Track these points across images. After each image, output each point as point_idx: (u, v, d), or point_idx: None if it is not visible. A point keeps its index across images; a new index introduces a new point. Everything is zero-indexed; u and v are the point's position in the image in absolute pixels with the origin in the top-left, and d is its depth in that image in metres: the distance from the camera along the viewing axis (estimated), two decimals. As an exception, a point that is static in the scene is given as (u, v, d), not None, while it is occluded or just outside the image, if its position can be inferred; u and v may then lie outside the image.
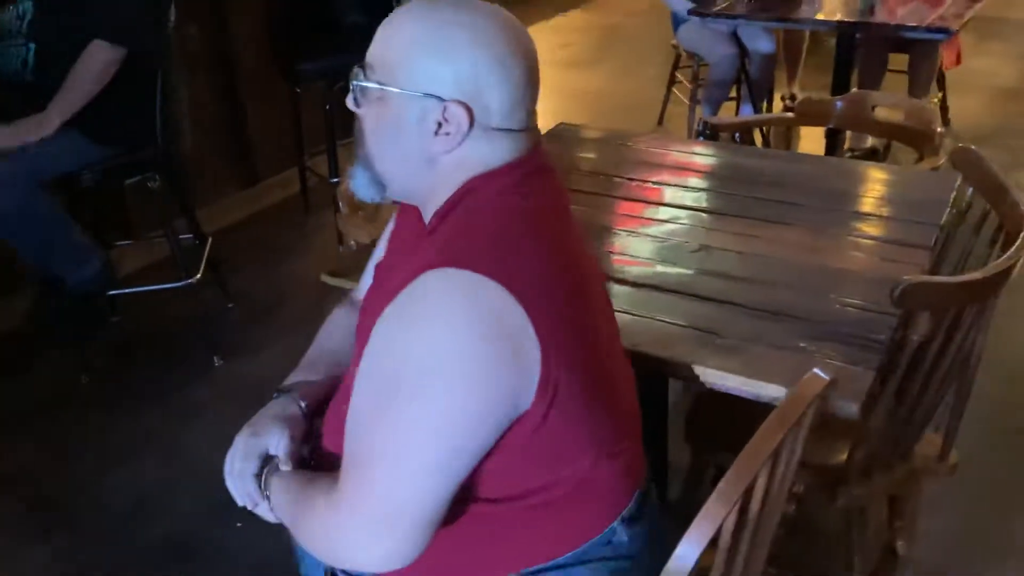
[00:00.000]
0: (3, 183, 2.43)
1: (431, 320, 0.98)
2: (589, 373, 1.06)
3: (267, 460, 1.22)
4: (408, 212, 1.22)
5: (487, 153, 1.07)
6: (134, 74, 2.55)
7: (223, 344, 2.91)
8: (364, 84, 1.07)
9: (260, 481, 1.21)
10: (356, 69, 1.08)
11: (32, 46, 2.54)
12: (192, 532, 2.23)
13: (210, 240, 3.09)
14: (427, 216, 1.12)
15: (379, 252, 1.37)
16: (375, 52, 1.07)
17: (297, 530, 1.15)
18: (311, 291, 1.72)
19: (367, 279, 1.40)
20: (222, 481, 2.32)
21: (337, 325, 1.42)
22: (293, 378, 1.34)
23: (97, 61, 2.48)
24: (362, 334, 1.16)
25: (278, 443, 1.22)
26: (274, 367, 2.74)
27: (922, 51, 3.93)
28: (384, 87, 1.05)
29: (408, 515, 1.01)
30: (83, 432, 2.59)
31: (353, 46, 3.80)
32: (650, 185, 2.12)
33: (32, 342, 2.90)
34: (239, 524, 2.20)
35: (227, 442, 2.43)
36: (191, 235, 3.06)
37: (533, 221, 1.07)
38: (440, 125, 1.04)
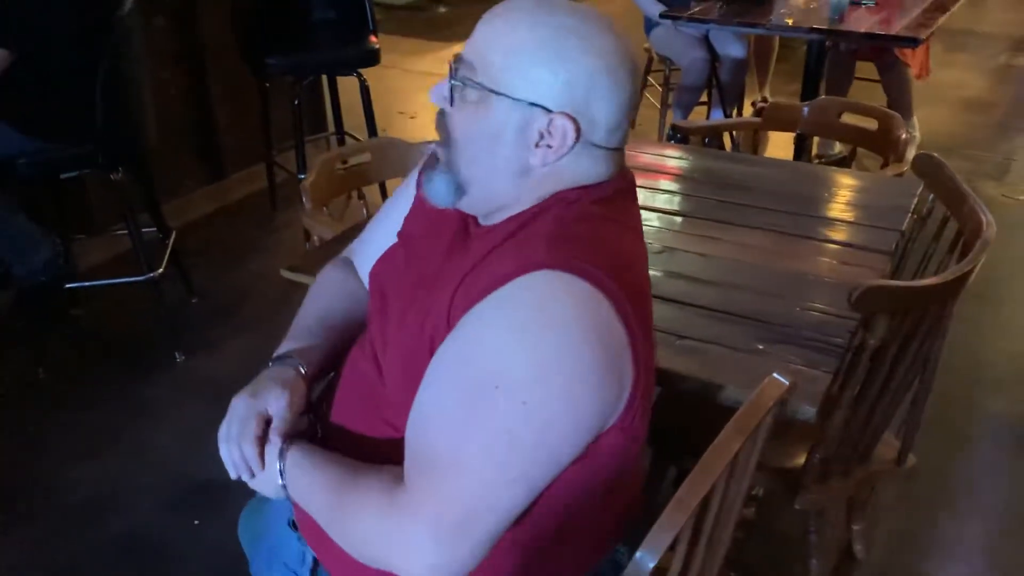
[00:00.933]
0: None
1: (544, 327, 0.94)
2: (652, 391, 1.07)
3: (269, 423, 1.14)
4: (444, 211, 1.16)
5: (585, 168, 1.04)
6: (70, 64, 2.46)
7: (185, 340, 2.88)
8: (465, 84, 1.01)
9: (276, 451, 1.12)
10: (454, 65, 1.02)
11: None
12: (150, 529, 2.20)
13: (174, 234, 3.06)
14: (493, 219, 1.08)
15: (392, 215, 1.29)
16: (479, 50, 1.01)
17: (326, 518, 1.08)
18: (276, 288, 1.69)
19: (371, 243, 1.33)
20: (181, 477, 2.30)
21: (329, 287, 1.35)
22: (287, 346, 1.25)
23: None
24: (384, 316, 1.13)
25: (276, 404, 1.14)
26: (237, 363, 2.76)
27: (886, 64, 3.98)
28: (488, 91, 1.00)
29: (482, 525, 0.96)
30: (41, 427, 2.55)
31: (322, 41, 3.79)
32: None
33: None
34: (196, 522, 2.18)
35: (188, 438, 2.44)
36: (155, 229, 3.03)
37: (630, 242, 1.06)
38: (542, 136, 1.00)
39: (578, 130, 1.00)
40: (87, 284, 2.96)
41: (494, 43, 1.01)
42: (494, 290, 0.96)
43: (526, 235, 1.03)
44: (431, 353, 1.02)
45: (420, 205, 1.21)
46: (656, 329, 1.48)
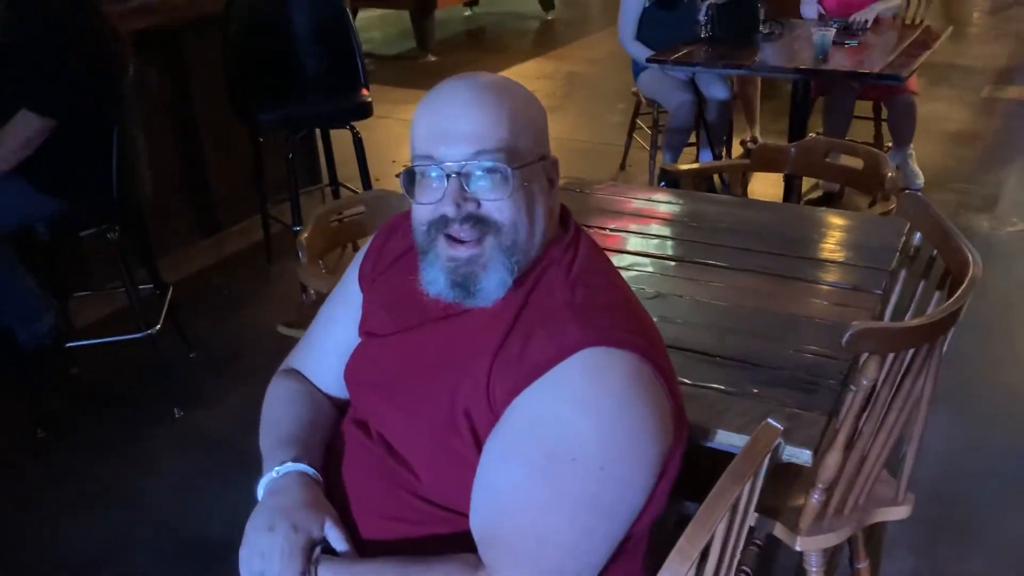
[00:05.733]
0: None
1: (602, 397, 1.02)
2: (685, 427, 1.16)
3: (308, 553, 1.11)
4: (406, 267, 1.21)
5: (555, 206, 1.18)
6: (86, 129, 2.53)
7: (183, 395, 2.88)
8: (509, 170, 1.07)
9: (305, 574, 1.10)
10: (487, 159, 1.07)
11: None
12: (148, 587, 2.19)
13: (171, 290, 3.07)
14: (494, 293, 1.12)
15: (338, 322, 1.33)
16: (489, 135, 1.07)
17: None
18: (272, 341, 1.71)
19: (321, 350, 1.35)
20: (179, 532, 2.29)
21: (290, 397, 1.33)
22: (281, 455, 1.22)
23: (23, 131, 2.44)
24: (397, 385, 1.16)
25: (334, 534, 1.13)
26: (234, 418, 2.76)
27: (893, 95, 4.03)
28: (525, 166, 1.10)
29: None
30: (39, 485, 2.54)
31: (314, 95, 3.83)
32: (608, 232, 2.14)
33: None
34: (197, 580, 2.17)
35: (185, 493, 2.43)
36: (151, 285, 3.04)
37: (620, 286, 1.18)
38: (551, 182, 1.15)
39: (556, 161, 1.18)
40: (85, 343, 2.96)
41: (499, 121, 1.08)
42: (540, 375, 1.03)
43: (546, 310, 1.09)
44: (469, 427, 1.08)
45: (376, 302, 1.26)
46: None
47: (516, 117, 1.09)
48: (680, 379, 1.48)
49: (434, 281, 1.11)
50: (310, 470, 1.20)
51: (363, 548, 1.16)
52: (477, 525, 1.06)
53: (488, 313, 1.11)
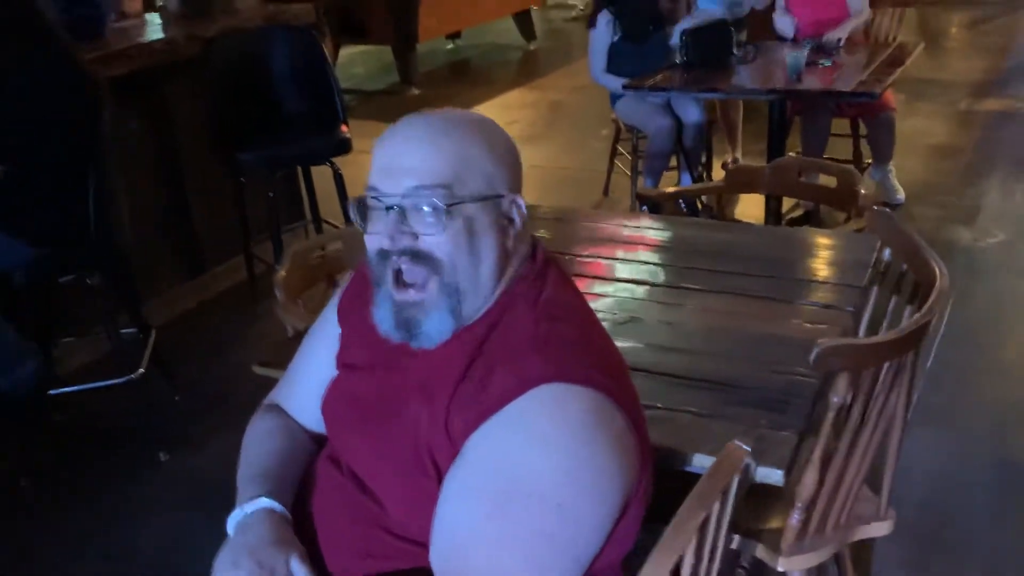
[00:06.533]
0: None
1: (556, 436, 1.01)
2: (650, 457, 1.15)
3: None
4: (362, 309, 1.20)
5: (521, 243, 1.16)
6: (60, 174, 2.54)
7: (169, 438, 2.87)
8: (448, 207, 1.06)
9: None
10: (423, 195, 1.06)
11: None
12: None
13: (154, 333, 3.06)
14: (455, 324, 1.12)
15: (317, 354, 1.33)
16: (436, 170, 1.07)
17: None
18: (257, 381, 1.71)
19: (301, 384, 1.36)
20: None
21: (268, 434, 1.35)
22: (252, 490, 1.23)
23: None
24: (368, 420, 1.16)
25: (299, 571, 1.13)
26: (221, 460, 2.69)
27: (872, 112, 4.07)
28: (469, 201, 1.09)
29: None
30: (25, 536, 2.52)
31: (294, 134, 3.85)
32: (585, 259, 2.15)
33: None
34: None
35: (172, 537, 2.41)
36: (135, 329, 3.04)
37: (590, 319, 1.17)
38: (510, 220, 1.12)
39: (521, 205, 1.13)
40: (69, 390, 2.95)
41: (443, 158, 1.08)
42: (499, 408, 1.03)
43: (509, 344, 1.08)
44: (433, 462, 1.08)
45: (354, 334, 1.26)
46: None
47: (463, 154, 1.08)
48: (653, 404, 1.50)
49: (383, 320, 1.13)
50: (278, 507, 1.20)
51: None
52: (435, 561, 1.05)
53: (452, 347, 1.11)
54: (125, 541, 2.47)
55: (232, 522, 1.20)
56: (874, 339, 1.44)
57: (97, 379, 2.90)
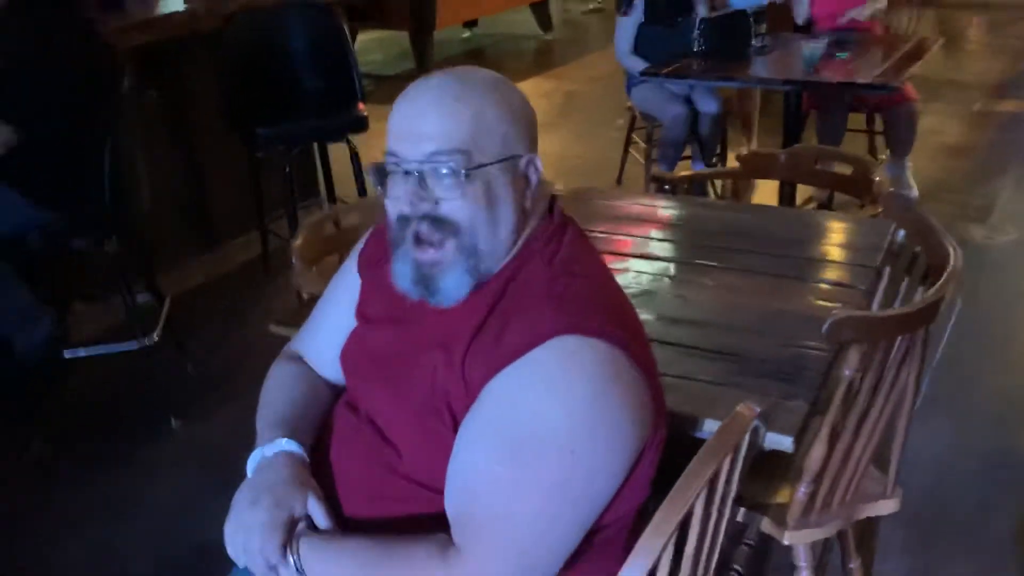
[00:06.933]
0: None
1: (569, 386, 1.04)
2: (664, 407, 1.18)
3: (289, 528, 1.13)
4: (382, 265, 1.22)
5: (539, 201, 1.18)
6: (78, 140, 2.56)
7: (180, 406, 2.90)
8: (468, 171, 1.08)
9: (286, 549, 1.12)
10: (443, 160, 1.07)
11: None
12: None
13: (168, 301, 3.09)
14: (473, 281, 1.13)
15: (337, 306, 1.35)
16: (451, 134, 1.08)
17: None
18: (269, 353, 1.73)
19: (321, 332, 1.38)
20: (176, 544, 2.28)
21: (289, 379, 1.38)
22: (272, 433, 1.25)
23: None
24: (383, 382, 1.18)
25: (316, 510, 1.15)
26: (231, 429, 2.76)
27: (893, 104, 4.07)
28: (487, 165, 1.09)
29: (543, 569, 1.05)
30: (35, 498, 2.55)
31: (311, 110, 3.86)
32: (606, 236, 2.16)
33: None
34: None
35: (183, 504, 2.43)
36: (150, 296, 3.06)
37: (607, 276, 1.20)
38: (527, 181, 1.14)
39: (538, 164, 1.15)
40: (83, 354, 2.98)
41: (460, 122, 1.09)
42: (515, 359, 1.05)
43: (524, 297, 1.11)
44: (448, 409, 1.10)
45: (373, 287, 1.28)
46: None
47: (480, 117, 1.09)
48: (667, 373, 1.50)
49: (401, 278, 1.15)
50: (297, 449, 1.22)
51: (346, 526, 1.17)
52: (450, 506, 1.07)
53: (469, 302, 1.13)
54: (134, 507, 2.50)
55: (252, 463, 1.22)
56: (887, 312, 1.45)
57: (112, 344, 2.92)
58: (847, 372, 1.43)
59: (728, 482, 1.16)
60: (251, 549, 1.12)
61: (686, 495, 1.04)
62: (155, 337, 2.90)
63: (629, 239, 2.13)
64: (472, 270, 1.11)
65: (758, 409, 1.15)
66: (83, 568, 2.28)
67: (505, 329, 1.08)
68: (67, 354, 2.86)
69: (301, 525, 1.14)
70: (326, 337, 1.35)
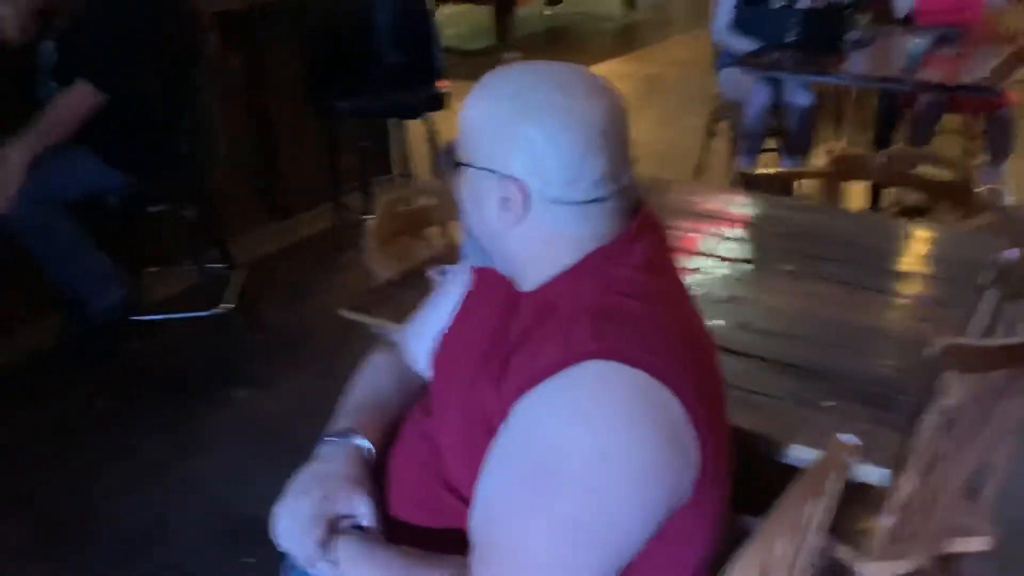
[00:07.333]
0: (25, 200, 2.47)
1: (597, 416, 0.94)
2: (725, 460, 1.05)
3: (334, 523, 1.13)
4: (490, 274, 1.17)
5: (578, 227, 1.04)
6: (161, 104, 2.56)
7: (244, 376, 2.90)
8: (450, 157, 1.08)
9: (325, 544, 1.12)
10: (448, 145, 1.09)
11: (54, 85, 2.58)
12: (197, 565, 2.19)
13: (241, 270, 3.09)
14: (527, 285, 1.09)
15: (446, 298, 1.31)
16: (459, 127, 1.07)
17: None
18: (335, 329, 1.71)
19: (424, 325, 1.34)
20: (229, 514, 2.27)
21: (380, 370, 1.36)
22: (345, 422, 1.26)
23: (74, 100, 2.47)
24: (448, 388, 1.15)
25: (366, 512, 1.14)
26: (292, 402, 2.77)
27: (991, 108, 3.88)
28: (464, 164, 1.06)
29: None
30: (98, 457, 2.57)
31: (390, 85, 3.83)
32: (683, 233, 2.08)
33: (56, 364, 2.90)
34: (241, 560, 2.15)
35: (239, 475, 2.43)
36: (222, 264, 3.07)
37: (670, 304, 1.06)
38: (505, 200, 1.04)
39: (525, 191, 1.02)
40: (152, 318, 3.00)
41: (463, 120, 1.07)
42: (545, 378, 0.96)
43: (568, 311, 1.02)
44: (486, 423, 1.03)
45: (475, 286, 1.24)
46: (720, 382, 1.45)
47: (481, 121, 1.05)
48: (742, 386, 1.43)
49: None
50: (364, 443, 1.20)
51: (391, 527, 1.16)
52: (471, 526, 1.02)
53: (517, 310, 1.09)
54: (192, 473, 2.50)
55: (318, 449, 1.21)
56: (1001, 342, 1.34)
57: (181, 311, 2.93)
58: (948, 402, 1.33)
59: (818, 519, 1.08)
60: (292, 537, 1.13)
61: (774, 534, 0.97)
62: (224, 305, 2.90)
63: (704, 237, 2.04)
64: (484, 251, 1.12)
65: (855, 443, 1.06)
66: (137, 532, 2.29)
67: (543, 344, 1.01)
68: (138, 318, 2.88)
69: (345, 523, 1.13)
70: (425, 332, 1.31)
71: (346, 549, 1.11)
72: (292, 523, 1.13)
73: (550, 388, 0.96)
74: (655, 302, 1.03)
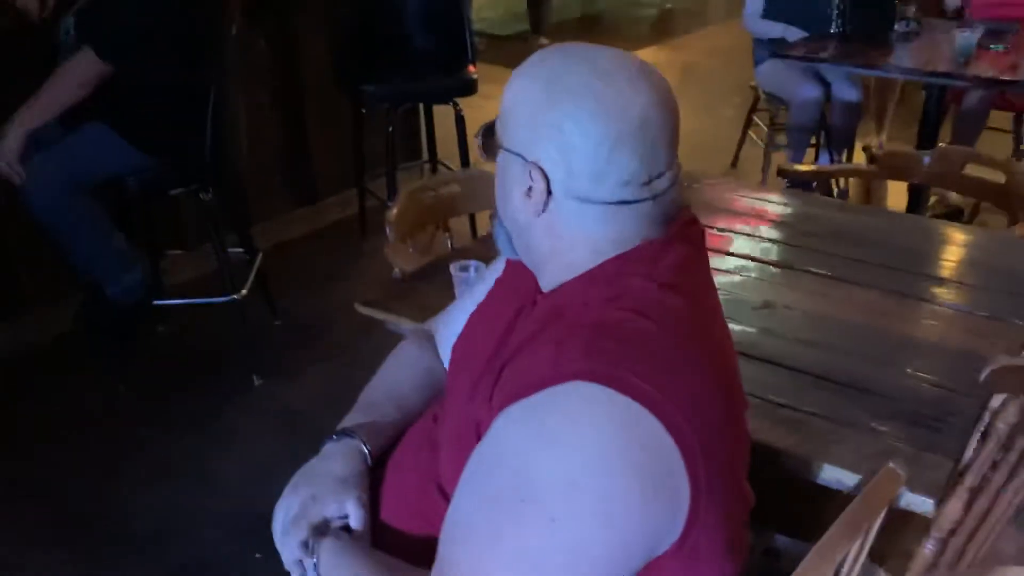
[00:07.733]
0: (44, 180, 2.43)
1: (570, 441, 0.84)
2: (732, 502, 0.94)
3: (321, 525, 1.12)
4: (520, 268, 1.09)
5: (599, 230, 0.95)
6: (184, 85, 2.51)
7: (264, 363, 2.85)
8: (486, 138, 1.04)
9: (308, 545, 1.10)
10: (487, 124, 1.05)
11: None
12: (213, 559, 2.15)
13: (260, 257, 3.04)
14: (545, 285, 1.02)
15: (477, 293, 1.25)
16: (500, 108, 1.02)
17: None
18: (357, 317, 1.66)
19: (453, 319, 1.29)
20: (248, 507, 2.24)
21: (403, 363, 1.32)
22: (352, 419, 1.22)
23: (80, 68, 2.38)
24: (455, 393, 1.11)
25: (354, 515, 1.11)
26: (313, 391, 2.71)
27: None
28: (498, 147, 1.01)
29: None
30: (117, 446, 2.54)
31: (419, 70, 3.76)
32: (716, 232, 1.99)
33: (78, 347, 2.87)
34: (258, 555, 2.11)
35: (257, 467, 2.38)
36: (243, 249, 3.02)
37: (685, 326, 0.93)
38: (529, 188, 0.96)
39: (547, 181, 0.95)
40: (173, 302, 2.96)
41: (502, 99, 1.00)
42: (528, 394, 0.87)
43: (570, 321, 0.93)
44: (477, 433, 0.96)
45: (503, 276, 1.19)
46: (753, 394, 1.35)
47: (515, 102, 0.98)
48: (773, 399, 1.34)
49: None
50: (365, 448, 1.17)
51: (383, 534, 1.13)
52: (439, 546, 0.93)
53: (519, 319, 1.03)
54: (209, 464, 2.46)
55: (322, 445, 1.19)
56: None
57: (202, 296, 2.89)
58: (1002, 426, 1.24)
59: (863, 548, 1.00)
60: (277, 536, 1.13)
61: (819, 568, 0.88)
62: (244, 291, 2.85)
63: (744, 237, 1.95)
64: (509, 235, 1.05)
65: (904, 474, 0.97)
66: (157, 527, 2.25)
67: (536, 355, 0.92)
68: (157, 303, 2.84)
69: (331, 526, 1.11)
70: (454, 325, 1.25)
71: (328, 552, 1.08)
72: (280, 522, 1.13)
73: (528, 406, 0.87)
74: (668, 322, 0.91)
